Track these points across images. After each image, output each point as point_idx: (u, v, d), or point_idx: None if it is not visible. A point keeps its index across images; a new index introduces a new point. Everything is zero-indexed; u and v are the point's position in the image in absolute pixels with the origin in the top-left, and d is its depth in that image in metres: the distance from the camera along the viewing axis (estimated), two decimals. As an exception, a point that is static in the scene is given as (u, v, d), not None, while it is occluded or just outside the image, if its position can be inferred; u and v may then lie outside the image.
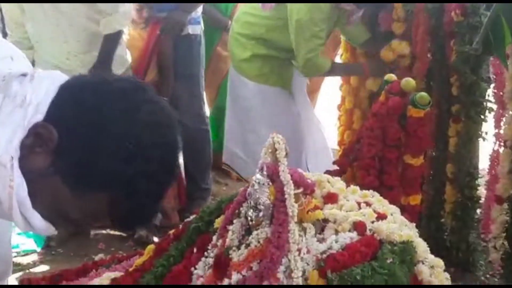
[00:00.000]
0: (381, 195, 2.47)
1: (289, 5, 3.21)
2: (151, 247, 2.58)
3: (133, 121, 1.27)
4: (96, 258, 3.09)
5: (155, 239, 3.19)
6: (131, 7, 3.01)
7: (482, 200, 3.16)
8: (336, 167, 3.08)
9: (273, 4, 3.28)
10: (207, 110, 4.30)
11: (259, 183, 2.16)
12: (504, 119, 2.89)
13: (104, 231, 3.56)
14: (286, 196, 2.11)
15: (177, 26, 3.69)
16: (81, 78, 1.36)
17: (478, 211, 3.15)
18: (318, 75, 3.52)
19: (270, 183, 2.15)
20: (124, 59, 3.27)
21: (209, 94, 4.46)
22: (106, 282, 2.37)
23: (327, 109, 4.80)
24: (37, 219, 1.29)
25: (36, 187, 1.27)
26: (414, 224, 2.39)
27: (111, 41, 2.99)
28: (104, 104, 1.27)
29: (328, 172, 2.96)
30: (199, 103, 3.95)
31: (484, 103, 2.94)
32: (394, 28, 3.28)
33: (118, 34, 2.99)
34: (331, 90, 4.56)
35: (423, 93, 2.64)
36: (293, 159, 2.99)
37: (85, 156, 1.25)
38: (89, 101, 1.27)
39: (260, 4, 3.36)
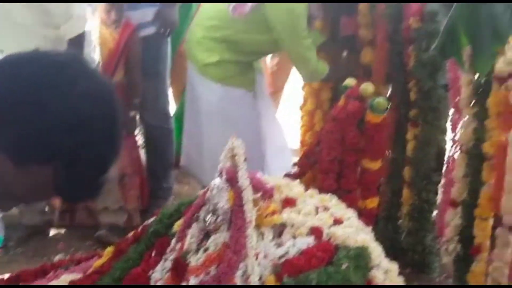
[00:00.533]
0: (339, 198, 2.51)
1: (269, 13, 3.25)
2: (110, 249, 2.58)
3: (70, 93, 1.29)
4: (56, 258, 3.08)
5: (116, 239, 3.19)
6: (86, 8, 3.00)
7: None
8: (296, 169, 3.12)
9: (247, 11, 3.29)
10: (172, 109, 4.30)
11: (218, 187, 2.18)
12: (460, 124, 2.96)
13: (63, 231, 3.54)
14: (245, 201, 2.13)
15: (173, 26, 3.74)
16: (18, 54, 1.37)
17: (435, 213, 3.22)
18: (319, 79, 3.51)
19: (229, 188, 2.18)
20: (90, 58, 3.26)
21: (174, 93, 4.46)
22: (63, 283, 2.36)
23: (290, 109, 4.83)
24: None
25: None
26: (371, 228, 2.44)
27: (76, 44, 2.99)
28: (41, 77, 1.28)
29: (288, 174, 3.00)
30: (164, 102, 3.96)
31: (441, 108, 3.00)
32: (361, 33, 3.33)
33: (81, 36, 2.98)
34: (294, 90, 4.59)
35: (381, 99, 2.69)
36: (255, 160, 3.03)
37: (25, 129, 1.26)
38: (26, 75, 1.28)
39: (229, 9, 3.35)
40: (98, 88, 1.36)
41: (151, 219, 2.59)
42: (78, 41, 2.99)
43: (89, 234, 3.54)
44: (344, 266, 2.00)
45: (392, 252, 2.27)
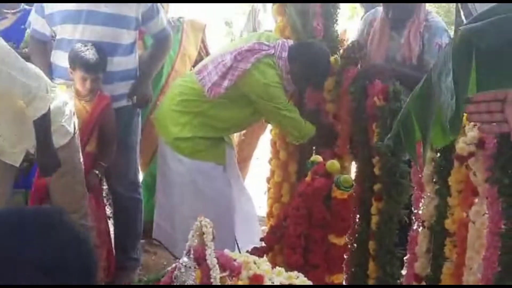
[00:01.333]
0: (306, 273, 2.55)
1: (247, 89, 3.36)
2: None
3: (47, 242, 1.31)
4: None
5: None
6: (46, 90, 3.04)
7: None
8: (264, 244, 3.16)
9: (222, 92, 3.37)
10: (141, 178, 4.32)
11: (185, 266, 2.22)
12: (422, 200, 3.03)
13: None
14: (212, 279, 2.17)
15: (146, 99, 3.82)
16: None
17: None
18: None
19: (197, 267, 2.21)
20: (66, 129, 3.30)
21: (142, 162, 4.50)
22: None
23: (256, 178, 4.89)
24: None
25: None
26: (337, 304, 2.49)
27: (41, 124, 3.04)
28: (16, 231, 1.31)
29: (255, 249, 3.04)
30: (134, 171, 3.98)
31: (405, 184, 3.08)
32: (328, 108, 3.45)
33: (45, 116, 3.03)
34: (261, 160, 4.67)
35: (347, 176, 2.77)
36: (225, 229, 3.07)
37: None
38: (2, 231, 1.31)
39: (205, 90, 3.42)
40: (75, 237, 1.39)
41: (119, 295, 2.61)
42: (43, 121, 3.04)
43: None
44: None
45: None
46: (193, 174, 3.50)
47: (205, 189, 3.50)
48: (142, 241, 4.18)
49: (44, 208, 1.42)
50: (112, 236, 3.95)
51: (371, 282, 3.18)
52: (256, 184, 4.74)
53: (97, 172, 3.60)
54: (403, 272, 3.23)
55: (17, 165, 3.17)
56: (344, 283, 3.11)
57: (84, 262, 1.36)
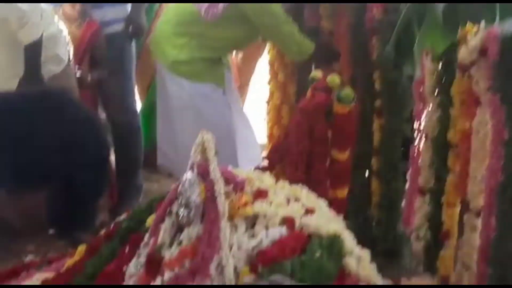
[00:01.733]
0: (309, 190, 2.54)
1: (246, 7, 3.26)
2: (82, 248, 2.58)
3: (59, 120, 1.31)
4: (27, 259, 3.05)
5: (87, 238, 3.16)
6: (39, 16, 2.98)
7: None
8: (265, 163, 3.15)
9: (219, 12, 3.29)
10: (139, 107, 4.29)
11: (189, 181, 2.20)
12: (424, 113, 3.01)
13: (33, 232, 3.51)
14: (217, 194, 2.15)
15: (140, 29, 3.76)
16: (5, 93, 1.39)
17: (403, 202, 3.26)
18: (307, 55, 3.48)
19: (201, 181, 2.20)
20: (60, 58, 3.24)
21: (139, 90, 4.45)
22: (36, 283, 2.36)
23: (256, 104, 4.86)
24: None
25: None
26: (342, 217, 2.48)
27: (32, 50, 2.98)
28: (30, 108, 1.30)
29: (257, 168, 3.02)
30: (131, 99, 3.95)
31: (406, 98, 3.05)
32: (324, 24, 3.37)
33: (38, 42, 2.97)
34: (260, 85, 4.62)
35: (348, 90, 2.73)
36: (226, 154, 3.05)
37: (18, 157, 1.27)
38: (16, 108, 1.30)
39: (201, 12, 3.34)
40: (84, 115, 1.39)
41: (123, 216, 2.60)
42: (34, 46, 2.98)
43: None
44: (317, 255, 2.03)
45: (363, 242, 2.31)
46: (193, 97, 3.45)
47: (206, 112, 3.45)
48: (144, 169, 4.17)
49: (52, 89, 1.40)
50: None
51: (375, 199, 3.18)
52: (255, 109, 4.70)
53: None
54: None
55: None
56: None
57: (97, 138, 1.36)
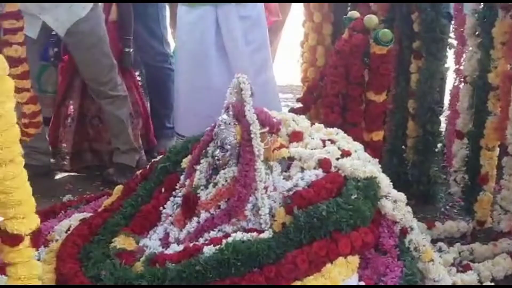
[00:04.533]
0: (344, 132, 2.52)
1: None
2: (119, 187, 2.61)
3: None
4: (64, 199, 3.10)
5: (123, 179, 3.20)
6: None
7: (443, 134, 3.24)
8: (300, 104, 3.12)
9: None
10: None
11: (225, 123, 2.19)
12: (464, 55, 2.94)
13: (68, 173, 3.55)
14: (252, 135, 2.15)
15: None
16: None
17: (439, 145, 3.22)
18: None
19: (236, 123, 2.18)
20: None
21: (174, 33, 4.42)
22: (75, 223, 2.39)
23: (290, 46, 4.79)
24: None
25: None
26: (377, 160, 2.46)
27: None
28: None
29: (292, 110, 3.00)
30: (159, 41, 3.92)
31: (445, 39, 2.98)
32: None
33: None
34: (294, 26, 4.54)
35: (386, 30, 2.66)
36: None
37: None
38: None
39: None
40: None
41: (159, 157, 2.61)
42: None
43: (95, 175, 3.55)
44: (353, 197, 2.03)
45: (397, 184, 2.29)
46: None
47: None
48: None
49: None
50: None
51: (410, 141, 3.15)
52: (290, 51, 4.64)
53: (127, 50, 3.57)
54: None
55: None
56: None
57: None
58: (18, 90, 2.90)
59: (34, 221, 1.61)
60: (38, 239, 1.65)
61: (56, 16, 3.15)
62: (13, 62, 2.83)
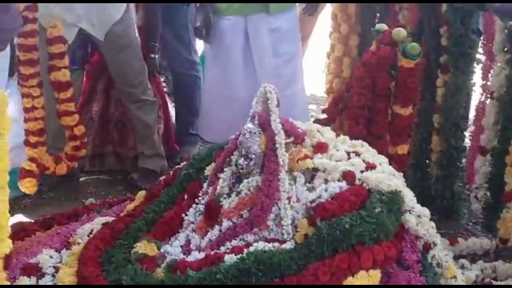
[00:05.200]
0: (369, 145, 2.51)
1: None
2: (142, 193, 2.63)
3: None
4: (87, 202, 3.12)
5: (146, 184, 3.21)
6: None
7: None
8: (325, 116, 3.12)
9: None
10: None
11: (250, 131, 2.19)
12: (492, 71, 2.92)
13: (92, 176, 3.58)
14: (277, 145, 2.15)
15: None
16: None
17: (463, 160, 3.20)
18: None
19: (261, 132, 2.19)
20: (119, 4, 3.27)
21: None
22: (97, 227, 2.41)
23: (316, 56, 4.79)
24: None
25: None
26: (402, 174, 2.44)
27: None
28: None
29: (317, 121, 3.00)
30: (187, 49, 3.94)
31: (473, 54, 2.96)
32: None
33: None
34: (321, 37, 4.54)
35: (415, 44, 2.65)
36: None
37: None
38: None
39: None
40: None
41: (182, 164, 2.62)
42: None
43: (118, 179, 3.57)
44: (377, 210, 2.01)
45: (420, 199, 2.27)
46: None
47: None
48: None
49: None
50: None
51: (434, 156, 3.13)
52: (315, 61, 4.64)
53: (152, 55, 3.59)
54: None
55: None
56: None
57: None
58: (67, 113, 2.97)
59: (7, 246, 1.64)
60: (10, 262, 1.68)
61: (92, 22, 3.18)
62: (62, 86, 2.91)
